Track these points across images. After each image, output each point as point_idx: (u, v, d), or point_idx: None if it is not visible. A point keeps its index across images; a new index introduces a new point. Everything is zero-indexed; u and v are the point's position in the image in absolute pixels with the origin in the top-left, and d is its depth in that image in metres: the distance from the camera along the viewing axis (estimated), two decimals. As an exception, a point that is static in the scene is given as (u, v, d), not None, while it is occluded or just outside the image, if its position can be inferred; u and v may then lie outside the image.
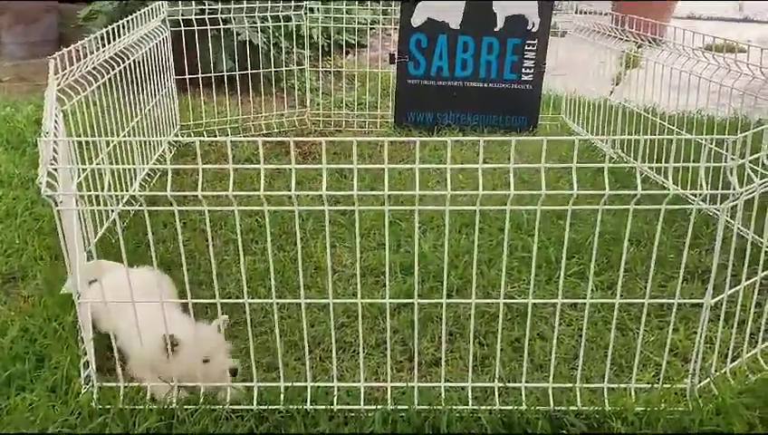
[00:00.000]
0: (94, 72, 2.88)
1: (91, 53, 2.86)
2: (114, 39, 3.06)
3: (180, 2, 3.93)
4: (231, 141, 1.79)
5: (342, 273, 2.69)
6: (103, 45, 2.97)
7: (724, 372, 2.02)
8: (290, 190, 1.75)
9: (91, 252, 2.18)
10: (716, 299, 1.90)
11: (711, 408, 1.88)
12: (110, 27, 3.04)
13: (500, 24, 4.11)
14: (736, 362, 2.06)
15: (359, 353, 2.08)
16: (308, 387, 1.96)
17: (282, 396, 1.96)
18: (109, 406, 1.92)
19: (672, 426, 1.84)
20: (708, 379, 1.98)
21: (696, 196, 1.82)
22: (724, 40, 3.11)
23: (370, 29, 4.82)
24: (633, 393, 1.96)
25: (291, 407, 1.92)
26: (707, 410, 1.87)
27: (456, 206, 1.80)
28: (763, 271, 2.04)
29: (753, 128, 1.92)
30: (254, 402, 1.94)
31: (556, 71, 4.40)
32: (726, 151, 1.74)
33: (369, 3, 4.57)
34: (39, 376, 2.06)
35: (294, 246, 2.83)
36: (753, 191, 1.86)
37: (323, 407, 1.93)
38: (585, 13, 4.27)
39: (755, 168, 1.85)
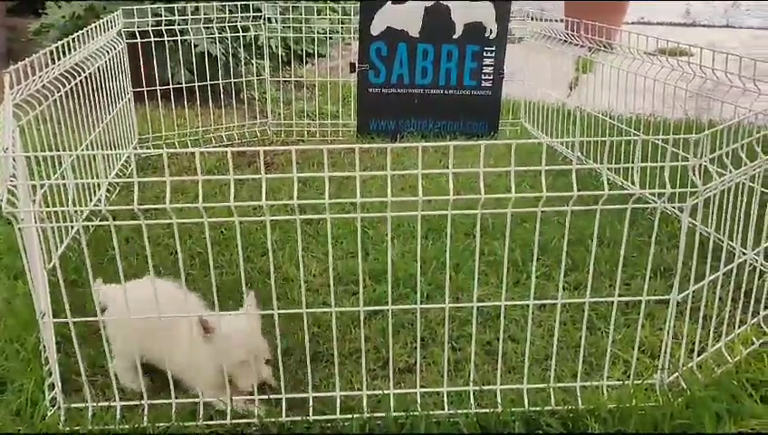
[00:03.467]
0: (50, 87, 2.82)
1: (46, 66, 2.79)
2: (68, 52, 3.00)
3: (136, 13, 3.87)
4: (197, 153, 1.76)
5: (311, 283, 2.67)
6: (57, 59, 2.91)
7: (691, 367, 2.07)
8: (258, 201, 1.73)
9: (55, 269, 2.12)
10: (682, 295, 1.95)
11: (681, 402, 1.92)
12: (63, 41, 2.97)
13: (458, 31, 4.16)
14: (702, 357, 2.11)
15: (332, 363, 2.07)
16: (283, 399, 1.94)
17: (256, 409, 1.93)
18: (77, 428, 1.87)
19: (644, 421, 1.87)
20: (676, 373, 2.02)
21: (655, 195, 1.86)
22: (677, 44, 3.20)
23: (329, 38, 4.82)
24: (605, 391, 1.99)
25: (266, 420, 1.90)
26: (677, 403, 1.91)
27: (426, 211, 1.81)
28: (723, 267, 2.10)
29: (707, 128, 1.98)
30: (229, 417, 1.91)
31: (514, 76, 4.47)
32: (688, 151, 1.79)
33: (327, 12, 4.57)
34: (2, 400, 1.99)
35: (260, 258, 2.80)
36: (714, 189, 1.92)
37: (299, 418, 1.91)
38: (540, 19, 4.35)
39: (712, 167, 1.91)
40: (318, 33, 4.49)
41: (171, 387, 1.93)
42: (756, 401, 1.95)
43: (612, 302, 1.98)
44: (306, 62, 5.21)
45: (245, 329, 1.93)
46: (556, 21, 4.33)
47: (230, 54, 4.23)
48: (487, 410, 1.92)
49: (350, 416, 1.91)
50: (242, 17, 4.20)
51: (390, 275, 1.95)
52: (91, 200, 3.06)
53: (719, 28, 7.94)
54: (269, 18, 4.30)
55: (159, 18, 3.98)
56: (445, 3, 4.11)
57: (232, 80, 4.33)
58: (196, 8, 4.11)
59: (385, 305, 1.97)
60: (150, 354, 2.02)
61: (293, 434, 1.88)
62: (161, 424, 1.88)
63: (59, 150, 2.83)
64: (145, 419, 1.89)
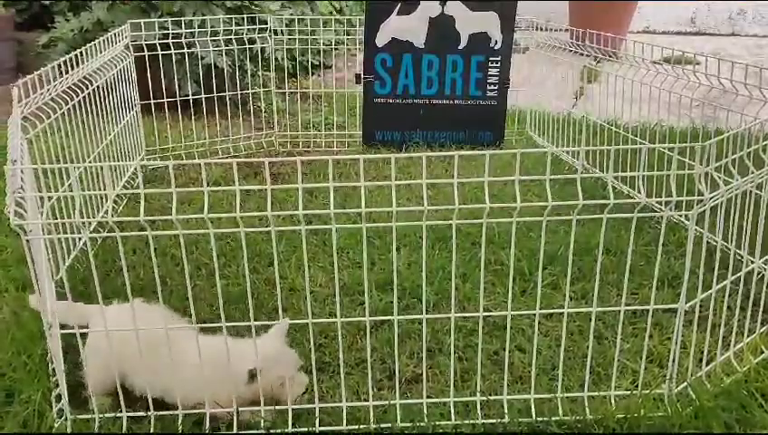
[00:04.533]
0: (58, 99, 2.84)
1: (54, 79, 2.82)
2: (76, 66, 3.03)
3: (143, 26, 3.91)
4: (203, 164, 1.77)
5: (317, 293, 2.67)
6: (66, 72, 2.93)
7: (700, 376, 2.05)
8: (264, 211, 1.74)
9: (62, 281, 2.13)
10: (690, 304, 1.94)
11: (689, 411, 1.91)
12: (72, 54, 3.00)
13: (463, 42, 4.17)
14: (711, 366, 2.10)
15: (338, 373, 2.06)
16: (289, 410, 1.94)
17: (262, 421, 1.93)
18: (84, 439, 1.87)
19: (652, 431, 1.86)
20: (685, 383, 2.01)
21: (662, 204, 1.86)
22: (682, 52, 3.20)
23: (335, 50, 4.85)
24: (613, 401, 1.98)
25: (272, 431, 1.90)
26: (686, 413, 1.90)
27: (431, 221, 1.81)
28: (731, 276, 2.09)
29: (713, 137, 1.97)
30: (234, 428, 1.91)
31: (520, 86, 4.47)
32: (694, 159, 1.79)
33: (332, 24, 4.60)
34: (9, 411, 1.99)
35: (266, 269, 2.81)
36: (721, 197, 1.91)
37: (305, 429, 1.91)
38: (545, 29, 4.36)
39: (719, 175, 1.90)
40: (324, 44, 4.51)
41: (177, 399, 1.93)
42: (766, 411, 1.94)
43: (619, 311, 1.97)
44: (312, 74, 5.23)
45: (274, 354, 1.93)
46: (561, 30, 4.34)
47: (236, 66, 4.26)
48: (494, 421, 1.91)
49: (356, 427, 1.91)
50: (248, 29, 4.22)
51: (396, 286, 1.94)
52: (98, 212, 3.07)
53: (725, 36, 7.94)
54: (275, 30, 4.33)
55: (167, 31, 4.01)
56: (449, 13, 4.13)
57: (238, 91, 4.36)
58: (203, 21, 4.14)
59: (391, 315, 1.97)
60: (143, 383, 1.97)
61: (300, 445, 1.88)
62: (167, 435, 1.88)
63: (67, 163, 2.85)
64: (151, 430, 1.89)
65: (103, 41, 3.41)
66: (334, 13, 5.85)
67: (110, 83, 3.43)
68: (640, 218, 1.85)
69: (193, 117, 4.13)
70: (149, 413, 1.93)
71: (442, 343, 2.34)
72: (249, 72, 4.49)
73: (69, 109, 2.92)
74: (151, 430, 1.90)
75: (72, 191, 1.75)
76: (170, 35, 4.01)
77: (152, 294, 2.54)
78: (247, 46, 4.25)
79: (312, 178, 3.70)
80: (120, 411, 1.93)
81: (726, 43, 7.49)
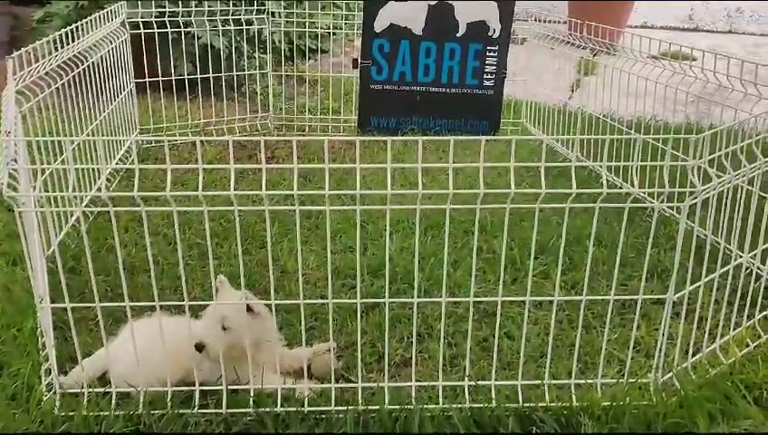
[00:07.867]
0: (52, 74, 2.82)
1: (49, 54, 2.79)
2: (71, 41, 3.00)
3: (140, 4, 3.88)
4: (198, 141, 1.77)
5: (309, 275, 2.68)
6: (60, 48, 2.91)
7: (686, 367, 2.07)
8: (258, 191, 1.74)
9: (53, 256, 2.12)
10: (678, 295, 1.96)
11: (674, 401, 1.93)
12: (67, 29, 2.98)
13: (462, 30, 4.17)
14: (697, 357, 2.12)
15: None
16: (278, 389, 1.95)
17: (251, 399, 1.94)
18: (72, 413, 1.87)
19: (637, 419, 1.88)
20: (671, 373, 2.03)
21: (654, 197, 1.87)
22: (679, 47, 3.21)
23: (333, 35, 4.82)
24: (599, 389, 2.00)
25: (261, 410, 1.91)
26: (671, 403, 1.92)
27: (425, 205, 1.82)
28: (720, 269, 2.11)
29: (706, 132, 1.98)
30: (224, 406, 1.91)
31: (516, 77, 4.47)
32: (687, 153, 1.80)
33: (331, 8, 4.58)
34: (-2, 384, 2.00)
35: (258, 251, 2.81)
36: (712, 190, 1.92)
37: (294, 409, 1.92)
38: (543, 20, 4.35)
39: (711, 169, 1.91)
40: (321, 28, 4.49)
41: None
42: (749, 403, 1.96)
43: (608, 301, 1.98)
44: (309, 58, 5.21)
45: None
46: (559, 22, 4.34)
47: (233, 48, 4.23)
48: (481, 405, 1.93)
49: (344, 408, 1.92)
50: (246, 11, 4.20)
51: (388, 270, 1.95)
52: (91, 189, 3.06)
53: (722, 34, 7.95)
54: (273, 12, 4.31)
55: (163, 9, 3.98)
56: (448, 1, 4.12)
57: (234, 73, 4.34)
58: (200, 0, 4.11)
59: (382, 299, 1.97)
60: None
61: (288, 425, 1.89)
62: (156, 411, 1.88)
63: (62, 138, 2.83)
64: (140, 405, 1.90)
65: (99, 17, 3.38)
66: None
67: (105, 60, 3.41)
68: (632, 211, 1.86)
69: (188, 97, 4.11)
70: (138, 389, 1.93)
71: (432, 329, 2.35)
72: (245, 53, 4.47)
73: (62, 85, 2.90)
74: (139, 406, 1.90)
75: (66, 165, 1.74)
76: (167, 14, 3.98)
77: (144, 272, 2.55)
78: (244, 27, 4.23)
79: (308, 162, 3.69)
80: (110, 386, 1.94)
81: (723, 40, 7.50)
